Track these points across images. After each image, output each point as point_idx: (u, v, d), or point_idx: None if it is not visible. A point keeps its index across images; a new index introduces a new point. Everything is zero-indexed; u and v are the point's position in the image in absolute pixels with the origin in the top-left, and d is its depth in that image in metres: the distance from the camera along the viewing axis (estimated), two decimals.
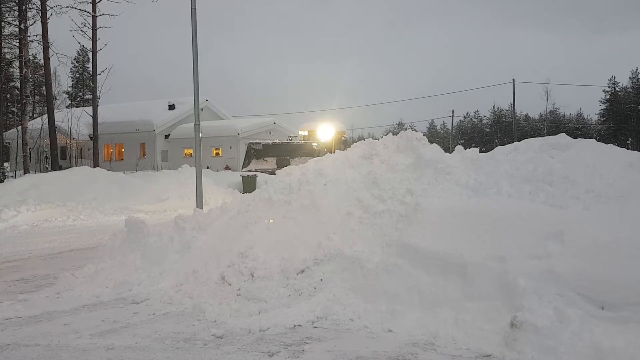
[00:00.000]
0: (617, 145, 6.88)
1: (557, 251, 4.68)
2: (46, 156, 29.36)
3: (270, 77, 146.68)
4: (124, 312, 5.43)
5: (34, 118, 37.11)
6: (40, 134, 27.70)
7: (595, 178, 5.47)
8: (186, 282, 6.04)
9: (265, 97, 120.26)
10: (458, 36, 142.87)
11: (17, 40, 24.67)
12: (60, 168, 23.69)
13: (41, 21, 22.69)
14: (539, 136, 9.46)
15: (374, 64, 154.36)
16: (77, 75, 60.37)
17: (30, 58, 27.42)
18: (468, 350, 4.26)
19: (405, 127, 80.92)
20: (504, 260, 4.79)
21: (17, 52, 25.39)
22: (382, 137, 7.71)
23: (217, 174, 21.83)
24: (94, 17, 23.66)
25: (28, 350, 4.37)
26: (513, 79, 46.52)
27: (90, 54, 26.49)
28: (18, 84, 29.92)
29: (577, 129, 70.73)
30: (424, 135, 7.44)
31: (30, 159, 25.39)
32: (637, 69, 71.35)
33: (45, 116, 25.07)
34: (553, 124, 71.14)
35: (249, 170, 21.61)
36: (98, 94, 25.25)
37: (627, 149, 6.83)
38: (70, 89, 57.70)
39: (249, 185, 18.04)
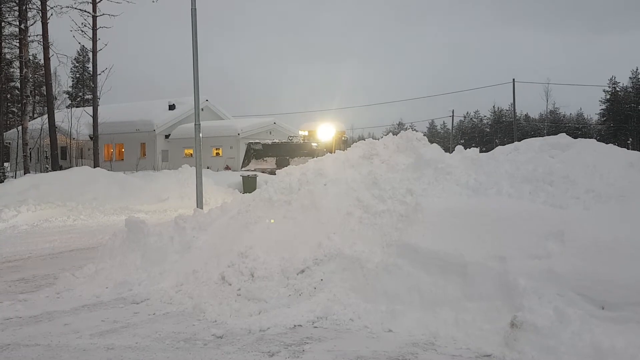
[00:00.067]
0: (618, 145, 6.88)
1: (558, 251, 4.68)
2: (46, 156, 29.38)
3: (270, 77, 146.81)
4: (124, 312, 5.43)
5: (34, 118, 37.14)
6: (40, 134, 27.72)
7: (596, 178, 5.46)
8: (186, 282, 6.04)
9: (265, 97, 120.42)
10: (458, 36, 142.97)
11: (18, 41, 24.68)
12: (61, 168, 23.70)
13: (41, 21, 22.71)
14: (539, 136, 9.46)
15: (374, 63, 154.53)
16: (78, 75, 60.40)
17: (31, 58, 27.45)
18: (468, 350, 4.26)
19: (405, 127, 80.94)
20: (504, 260, 4.79)
21: (18, 52, 25.40)
22: (382, 137, 7.71)
23: (218, 174, 21.84)
24: (94, 17, 23.67)
25: (28, 350, 4.37)
26: (513, 79, 46.59)
27: (90, 54, 26.54)
28: (18, 84, 29.91)
29: (577, 128, 70.74)
30: (424, 135, 7.44)
31: (30, 159, 25.40)
32: (637, 69, 71.44)
33: (46, 116, 25.09)
34: (553, 124, 71.15)
35: (248, 170, 21.62)
36: (98, 94, 25.28)
37: (628, 148, 6.83)
38: (70, 89, 57.81)
39: (249, 185, 18.04)
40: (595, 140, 6.42)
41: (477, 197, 5.68)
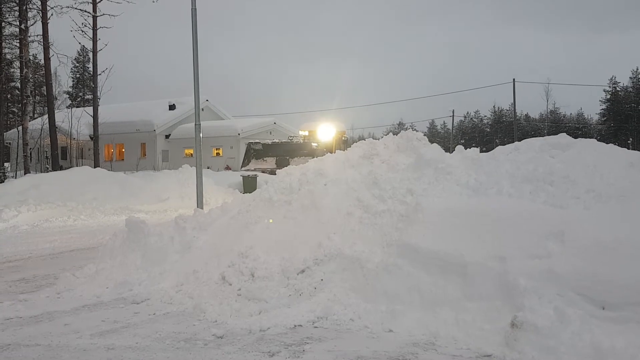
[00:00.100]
0: (618, 145, 6.88)
1: (558, 251, 4.68)
2: (47, 156, 29.39)
3: (270, 77, 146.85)
4: (124, 312, 5.43)
5: (35, 118, 37.16)
6: (40, 134, 27.74)
7: (596, 178, 5.46)
8: (187, 282, 6.04)
9: (265, 97, 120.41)
10: (458, 36, 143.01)
11: (18, 41, 24.70)
12: (61, 168, 23.71)
13: (41, 21, 22.73)
14: (540, 136, 9.46)
15: (374, 63, 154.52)
16: (78, 76, 60.39)
17: (31, 58, 27.47)
18: (468, 350, 4.26)
19: (405, 127, 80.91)
20: (505, 260, 4.79)
21: (18, 52, 25.42)
22: (382, 137, 7.71)
23: (218, 174, 21.84)
24: (95, 17, 23.68)
25: (29, 350, 4.37)
26: (513, 79, 46.58)
27: (90, 54, 26.55)
28: (18, 84, 29.89)
29: (577, 128, 70.74)
30: (424, 135, 7.43)
31: (30, 159, 25.43)
32: (637, 69, 71.44)
33: (46, 116, 25.10)
34: (553, 124, 71.16)
35: (248, 170, 21.63)
36: (98, 94, 25.30)
37: (628, 148, 6.83)
38: (70, 89, 57.79)
39: (249, 185, 18.05)
40: (595, 140, 6.41)
41: (477, 197, 5.68)
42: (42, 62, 25.48)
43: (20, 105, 29.04)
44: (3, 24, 24.25)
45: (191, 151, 31.68)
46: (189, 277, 6.11)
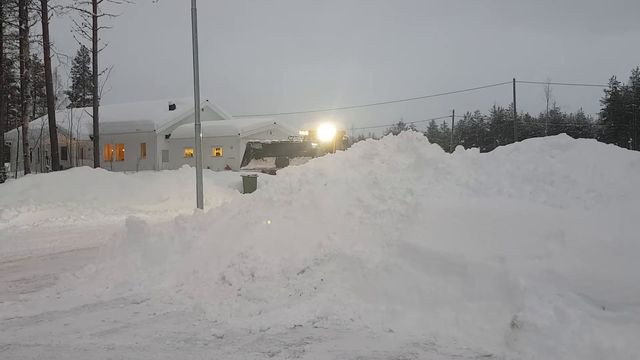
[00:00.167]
0: (618, 145, 6.88)
1: (558, 251, 4.68)
2: (47, 156, 29.39)
3: (271, 77, 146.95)
4: (124, 312, 5.43)
5: (35, 118, 37.15)
6: (41, 134, 27.74)
7: (596, 178, 5.46)
8: (187, 282, 6.04)
9: (265, 97, 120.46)
10: (458, 36, 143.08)
11: (18, 41, 24.71)
12: (61, 168, 23.71)
13: (42, 21, 22.74)
14: (540, 136, 9.46)
15: (374, 63, 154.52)
16: (78, 76, 60.38)
17: (31, 58, 27.49)
18: (469, 350, 4.25)
19: (405, 127, 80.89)
20: (505, 260, 4.79)
21: (18, 52, 25.43)
22: (382, 137, 7.71)
23: (218, 174, 21.84)
24: (95, 18, 23.69)
25: (29, 350, 4.37)
26: (514, 79, 46.54)
27: (90, 54, 26.57)
28: (19, 85, 29.92)
29: (577, 128, 70.72)
30: (424, 135, 7.43)
31: (31, 159, 25.43)
32: (637, 69, 71.40)
33: (46, 116, 25.11)
34: (554, 124, 71.14)
35: (248, 170, 21.64)
36: (99, 94, 25.31)
37: (628, 148, 6.82)
38: (70, 89, 57.80)
39: (249, 185, 18.05)
40: (595, 140, 6.41)
41: (477, 197, 5.68)
42: (43, 62, 25.49)
43: (20, 106, 29.06)
44: (3, 24, 24.26)
45: (191, 151, 31.68)
46: (189, 277, 6.11)
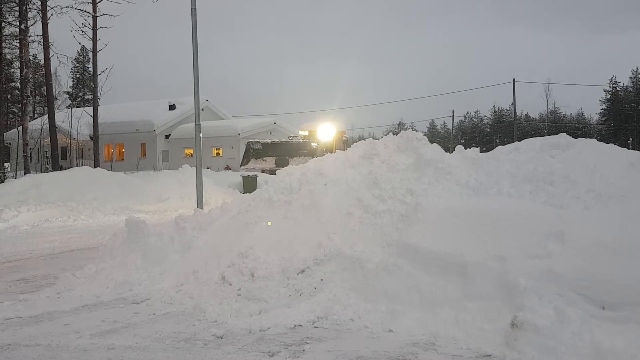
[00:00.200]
0: (618, 145, 6.88)
1: (558, 251, 4.68)
2: (47, 156, 29.40)
3: (271, 77, 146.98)
4: (124, 312, 5.43)
5: (35, 118, 37.16)
6: (40, 135, 27.75)
7: (596, 178, 5.46)
8: (187, 282, 6.04)
9: (265, 97, 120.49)
10: (458, 36, 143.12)
11: (18, 41, 24.70)
12: (61, 168, 23.71)
13: (41, 21, 22.73)
14: (540, 136, 9.45)
15: (374, 63, 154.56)
16: (78, 76, 60.38)
17: (31, 58, 27.47)
18: (469, 350, 4.25)
19: (405, 127, 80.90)
20: (505, 260, 4.79)
21: (18, 52, 25.43)
22: (382, 137, 7.71)
23: (218, 174, 21.85)
24: (94, 18, 23.68)
25: (29, 350, 4.37)
26: (513, 79, 46.52)
27: (90, 54, 26.56)
28: (19, 85, 29.90)
29: (577, 128, 70.73)
30: (424, 135, 7.43)
31: (30, 159, 25.42)
32: (637, 69, 71.43)
33: (46, 116, 25.11)
34: (554, 124, 71.15)
35: (247, 169, 21.64)
36: (98, 94, 25.30)
37: (628, 148, 6.83)
38: (70, 89, 57.80)
39: (249, 185, 18.05)
40: (595, 140, 6.41)
41: (477, 196, 5.68)
42: (42, 62, 25.49)
43: (20, 106, 29.05)
44: (3, 24, 24.26)
45: (191, 151, 31.68)
46: (189, 277, 6.11)
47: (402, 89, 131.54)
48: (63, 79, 73.00)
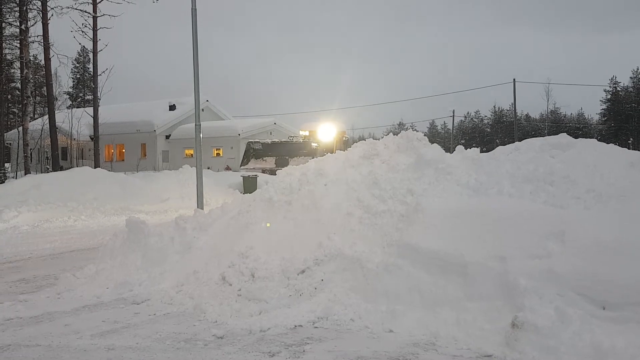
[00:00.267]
0: (618, 145, 6.88)
1: (558, 251, 4.68)
2: (47, 157, 29.40)
3: (271, 77, 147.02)
4: (124, 312, 5.43)
5: (35, 119, 37.16)
6: (41, 135, 27.75)
7: (596, 178, 5.46)
8: (187, 283, 6.04)
9: (266, 97, 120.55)
10: (458, 36, 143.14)
11: (18, 41, 24.74)
12: (61, 169, 23.72)
13: (42, 22, 22.75)
14: (540, 136, 9.46)
15: (374, 64, 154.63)
16: (78, 76, 60.41)
17: (31, 59, 27.52)
18: (469, 350, 4.25)
19: (405, 127, 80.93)
20: (505, 260, 4.79)
21: (18, 52, 25.45)
22: (382, 137, 7.71)
23: (218, 174, 21.85)
24: (95, 18, 23.69)
25: (29, 350, 4.37)
26: (514, 79, 46.49)
27: (90, 55, 26.57)
28: (19, 85, 29.96)
29: (578, 128, 70.72)
30: (424, 135, 7.43)
31: (31, 160, 25.44)
32: (637, 69, 71.39)
33: (46, 117, 25.12)
34: (554, 124, 71.12)
35: (247, 169, 21.65)
36: (99, 95, 25.31)
37: (628, 148, 6.83)
38: (71, 90, 57.82)
39: (249, 185, 18.06)
40: (596, 140, 6.42)
41: (477, 197, 5.68)
42: (43, 62, 25.52)
43: (20, 106, 29.09)
44: (3, 24, 24.27)
45: (191, 151, 31.67)
46: (189, 277, 6.11)
47: (402, 89, 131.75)
48: (63, 80, 72.98)
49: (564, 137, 6.42)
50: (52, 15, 22.91)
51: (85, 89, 57.29)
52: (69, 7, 23.36)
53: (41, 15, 22.82)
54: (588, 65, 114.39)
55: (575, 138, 6.54)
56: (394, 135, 7.55)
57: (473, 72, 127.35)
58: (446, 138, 74.91)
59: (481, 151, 6.77)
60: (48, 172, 21.44)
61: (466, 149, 6.78)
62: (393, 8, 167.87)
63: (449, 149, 13.26)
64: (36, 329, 4.93)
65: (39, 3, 22.90)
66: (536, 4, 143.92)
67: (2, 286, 6.71)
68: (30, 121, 26.06)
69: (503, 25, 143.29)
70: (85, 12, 23.59)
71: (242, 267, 5.77)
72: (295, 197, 6.59)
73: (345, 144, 24.62)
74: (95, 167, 21.33)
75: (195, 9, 11.44)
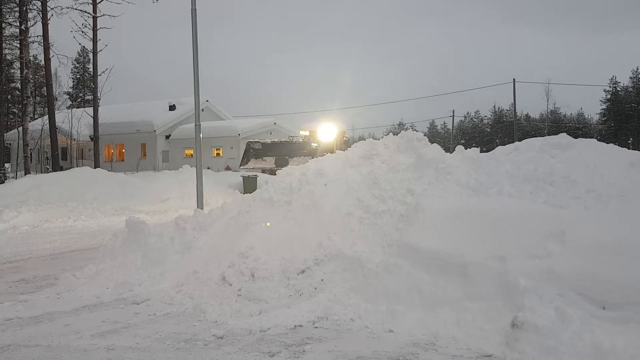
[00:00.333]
0: (618, 145, 6.88)
1: (558, 251, 4.68)
2: (47, 157, 29.39)
3: (271, 77, 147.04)
4: (124, 312, 5.43)
5: (35, 119, 37.15)
6: (41, 135, 27.75)
7: (596, 178, 5.46)
8: (187, 283, 6.04)
9: (266, 97, 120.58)
10: (458, 36, 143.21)
11: (18, 41, 24.74)
12: (61, 169, 23.72)
13: (42, 22, 22.75)
14: (540, 136, 9.46)
15: (375, 64, 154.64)
16: (78, 76, 60.39)
17: (31, 59, 27.53)
18: (469, 350, 4.25)
19: (405, 127, 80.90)
20: (505, 260, 4.79)
21: (18, 53, 25.46)
22: (382, 137, 7.71)
23: (218, 174, 21.85)
24: (95, 18, 23.70)
25: (29, 350, 4.37)
26: (514, 79, 46.55)
27: (90, 55, 26.56)
28: (19, 85, 29.95)
29: (577, 128, 70.72)
30: (424, 135, 7.44)
31: (31, 160, 25.43)
32: (637, 69, 71.39)
33: (46, 117, 25.13)
34: (554, 124, 71.11)
35: (247, 169, 21.65)
36: (99, 95, 25.32)
37: (628, 148, 6.83)
38: (71, 90, 57.80)
39: (249, 185, 18.06)
40: (595, 140, 6.42)
41: (477, 197, 5.68)
42: (43, 62, 25.53)
43: (20, 106, 29.08)
44: (3, 24, 24.28)
45: (191, 151, 31.65)
46: (189, 277, 6.11)
47: (402, 89, 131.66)
48: (63, 80, 73.12)
49: (563, 137, 6.43)
50: (52, 15, 22.96)
51: (85, 89, 57.28)
52: (68, 7, 23.41)
53: (41, 15, 22.83)
54: (588, 65, 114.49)
55: (575, 138, 6.54)
56: (394, 135, 7.55)
57: (473, 72, 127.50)
58: (446, 138, 74.93)
59: (481, 151, 6.77)
60: (48, 172, 21.43)
61: (466, 149, 6.78)
62: (393, 8, 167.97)
63: (449, 149, 13.25)
64: (36, 329, 4.93)
65: (39, 3, 22.92)
66: (536, 4, 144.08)
67: (2, 286, 6.71)
68: (30, 121, 26.05)
69: (503, 25, 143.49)
70: (85, 12, 23.62)
71: (242, 267, 5.77)
72: (295, 197, 6.59)
73: (346, 144, 24.63)
74: (95, 167, 21.33)
75: (195, 9, 11.44)
